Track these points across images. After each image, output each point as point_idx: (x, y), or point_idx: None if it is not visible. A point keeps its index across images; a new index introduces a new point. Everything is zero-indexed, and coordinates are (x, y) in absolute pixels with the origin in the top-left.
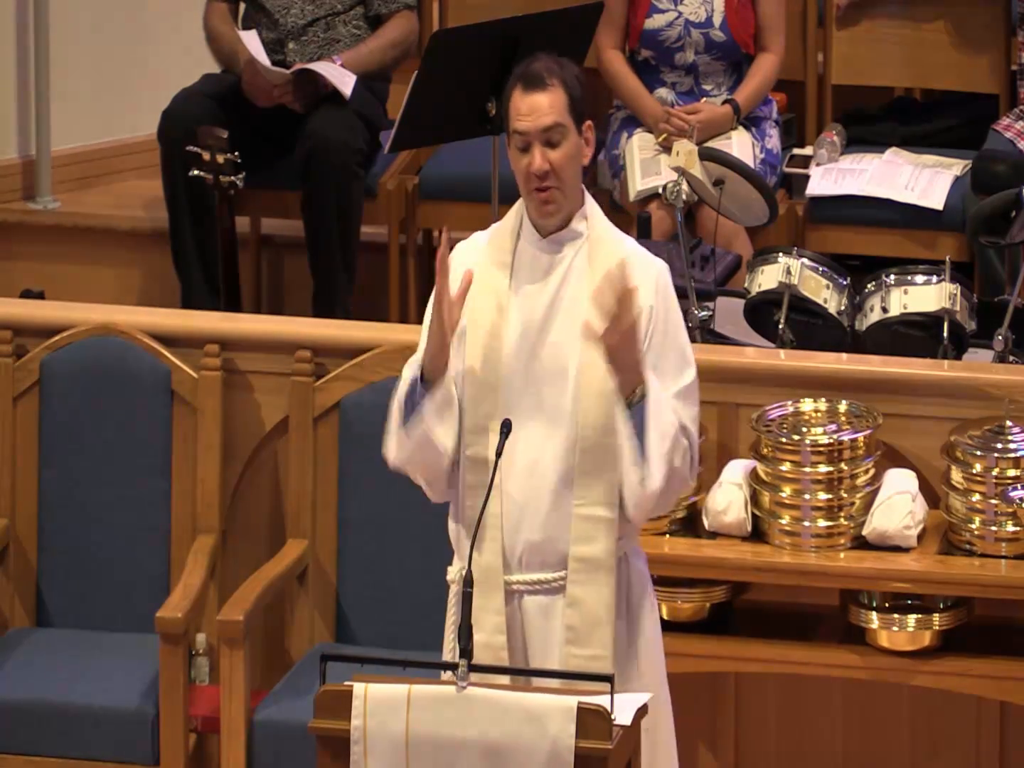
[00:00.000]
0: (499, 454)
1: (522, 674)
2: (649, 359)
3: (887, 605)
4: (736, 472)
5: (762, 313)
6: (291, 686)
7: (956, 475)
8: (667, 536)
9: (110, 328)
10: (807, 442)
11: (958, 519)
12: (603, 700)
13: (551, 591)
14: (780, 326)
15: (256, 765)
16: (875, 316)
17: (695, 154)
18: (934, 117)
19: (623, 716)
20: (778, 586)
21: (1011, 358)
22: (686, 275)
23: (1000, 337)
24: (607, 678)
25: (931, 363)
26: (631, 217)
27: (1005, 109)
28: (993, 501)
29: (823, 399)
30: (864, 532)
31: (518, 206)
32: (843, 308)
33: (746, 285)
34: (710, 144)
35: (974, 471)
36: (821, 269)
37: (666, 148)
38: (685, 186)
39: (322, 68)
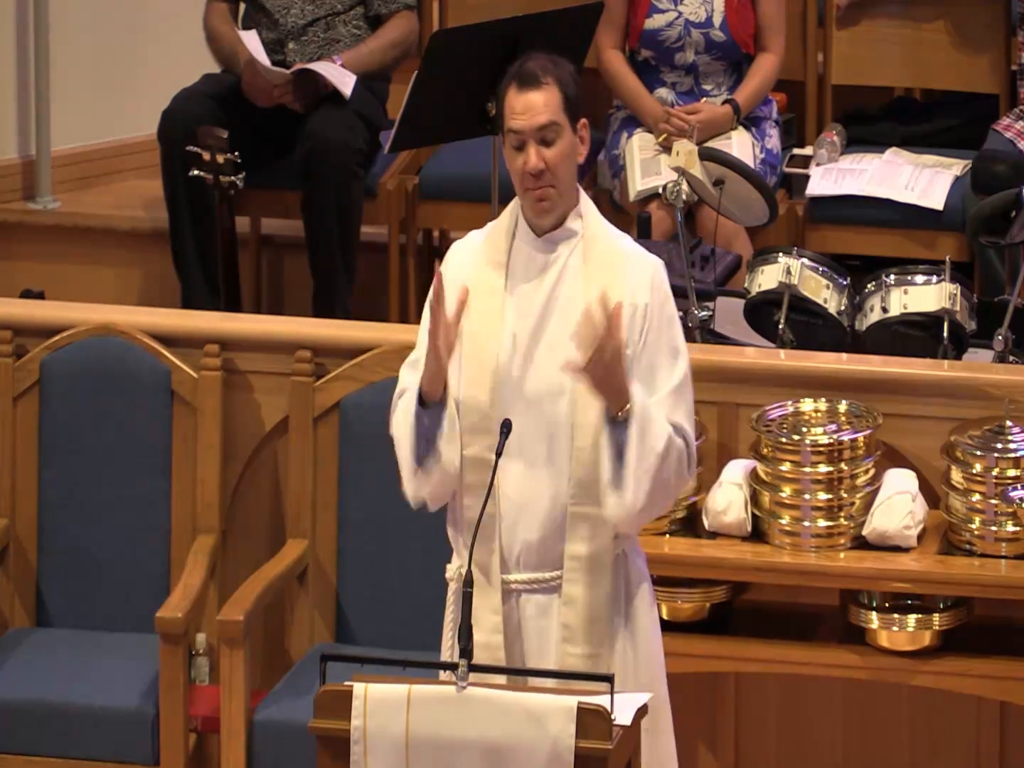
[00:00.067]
0: (499, 454)
1: (523, 674)
2: (644, 357)
3: (887, 605)
4: (736, 472)
5: (762, 313)
6: (291, 686)
7: (956, 475)
8: (667, 536)
9: (110, 328)
10: (807, 442)
11: (958, 519)
12: (603, 700)
13: (548, 590)
14: (780, 326)
15: (256, 765)
16: (875, 316)
17: (695, 154)
18: (934, 117)
19: (623, 716)
20: (778, 586)
21: (1011, 358)
22: (686, 275)
23: (1000, 337)
24: (607, 678)
25: (931, 363)
26: (631, 217)
27: (1005, 109)
28: (993, 501)
29: (823, 399)
30: (864, 532)
31: (513, 205)
32: (843, 308)
33: (746, 285)
34: (710, 144)
35: (974, 471)
36: (821, 269)
37: (666, 148)
38: (685, 186)
39: (322, 68)
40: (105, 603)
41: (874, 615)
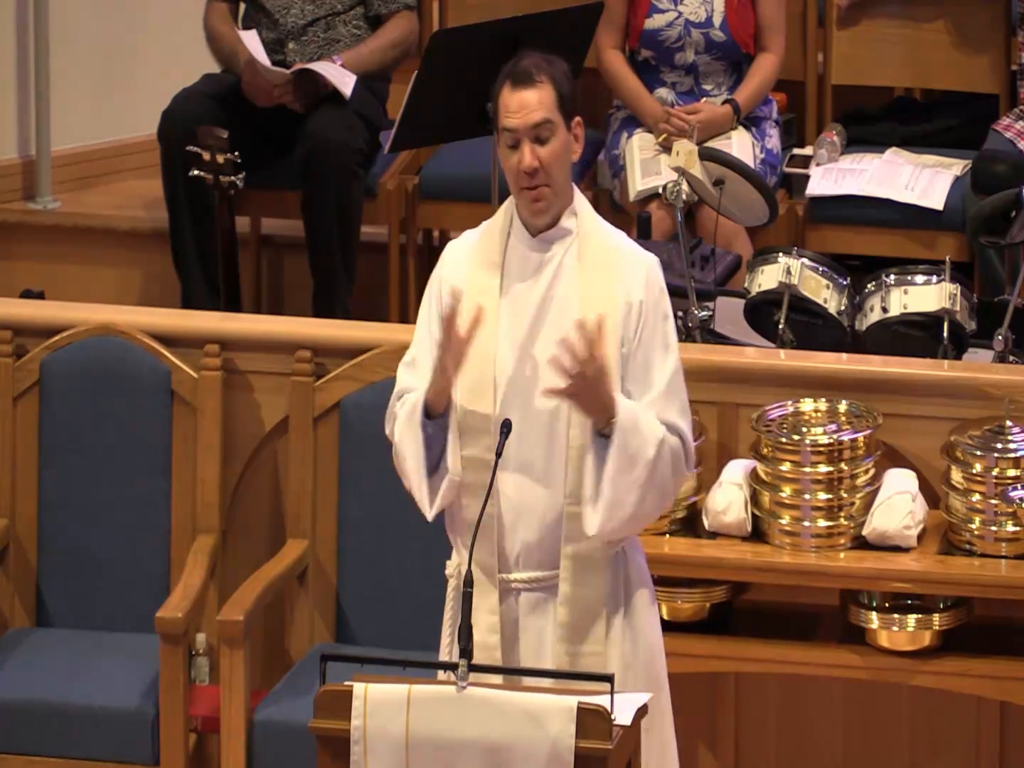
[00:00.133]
0: (499, 454)
1: (525, 674)
2: (640, 354)
3: (887, 605)
4: (736, 472)
5: (762, 313)
6: (291, 686)
7: (956, 475)
8: (667, 536)
9: (110, 328)
10: (807, 442)
11: (958, 519)
12: (603, 700)
13: (547, 589)
14: (780, 326)
15: (256, 765)
16: (875, 316)
17: (695, 154)
18: (934, 117)
19: (623, 716)
20: (778, 586)
21: (1011, 358)
22: (686, 275)
23: (1000, 337)
24: (607, 678)
25: (931, 363)
26: (631, 217)
27: (1005, 109)
28: (993, 501)
29: (823, 399)
30: (864, 532)
31: (507, 204)
32: (843, 308)
33: (746, 285)
34: (710, 144)
35: (974, 471)
36: (821, 269)
37: (666, 148)
38: (685, 186)
39: (322, 68)
40: (105, 603)
41: (874, 615)
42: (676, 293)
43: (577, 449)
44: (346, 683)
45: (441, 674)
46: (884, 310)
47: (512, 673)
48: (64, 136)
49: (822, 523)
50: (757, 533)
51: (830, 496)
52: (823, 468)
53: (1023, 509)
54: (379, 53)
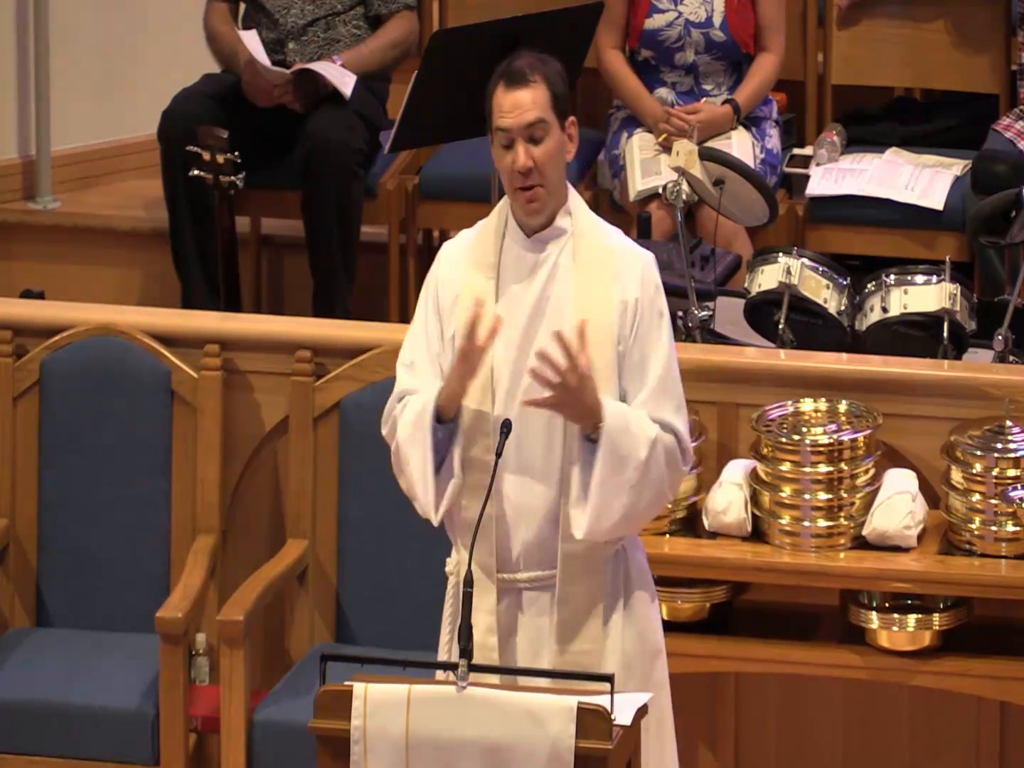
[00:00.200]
0: (499, 454)
1: (526, 674)
2: (635, 351)
3: (887, 605)
4: (736, 472)
5: (762, 313)
6: (291, 686)
7: (956, 475)
8: (667, 536)
9: (110, 328)
10: (807, 442)
11: (958, 519)
12: (603, 700)
13: (546, 588)
14: (780, 326)
15: (256, 765)
16: (875, 316)
17: (695, 154)
18: (934, 117)
19: (623, 716)
20: (778, 586)
21: (1011, 358)
22: (686, 275)
23: (1000, 337)
24: (607, 678)
25: (931, 363)
26: (631, 217)
27: (1005, 109)
28: (993, 501)
29: (823, 399)
30: (864, 532)
31: (502, 205)
32: (843, 308)
33: (746, 285)
34: (710, 144)
35: (974, 471)
36: (821, 269)
37: (666, 148)
38: (685, 186)
39: (322, 68)
40: (105, 603)
41: (874, 615)
42: (676, 293)
43: (574, 449)
44: (346, 683)
45: (440, 674)
46: (884, 310)
47: (513, 673)
48: (64, 136)
49: (822, 523)
50: (757, 533)
51: (830, 496)
52: (823, 468)
53: (1023, 509)
54: (379, 53)
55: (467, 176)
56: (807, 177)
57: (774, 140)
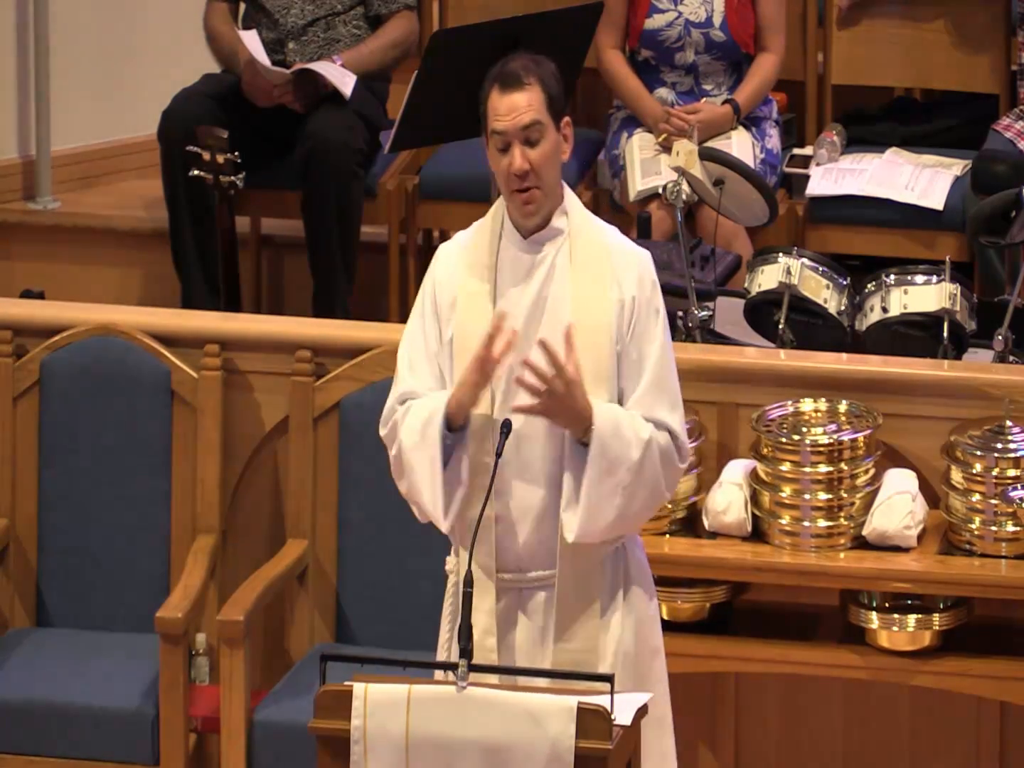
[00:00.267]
0: (499, 454)
1: (526, 674)
2: (633, 350)
3: (887, 605)
4: (736, 472)
5: (762, 313)
6: (291, 686)
7: (956, 475)
8: (667, 536)
9: (110, 328)
10: (807, 442)
11: (958, 519)
12: (603, 700)
13: (546, 587)
14: (780, 326)
15: (256, 765)
16: (875, 316)
17: (695, 154)
18: (934, 117)
19: (623, 716)
20: (778, 586)
21: (1011, 358)
22: (686, 275)
23: (1000, 337)
24: (607, 678)
25: (931, 363)
26: (631, 217)
27: (1005, 109)
28: (993, 501)
29: (823, 399)
30: (864, 532)
31: (497, 206)
32: (843, 308)
33: (746, 285)
34: (710, 144)
35: (974, 471)
36: (821, 269)
37: (666, 148)
38: (685, 186)
39: (322, 68)
40: (105, 603)
41: (874, 615)
42: (676, 293)
43: (572, 449)
44: (346, 683)
45: (439, 674)
46: (884, 310)
47: (513, 673)
48: (64, 136)
49: (822, 523)
50: (757, 533)
51: (830, 496)
52: (823, 468)
53: (1023, 509)
54: (379, 53)
55: (467, 176)
56: (807, 177)
57: (774, 140)
